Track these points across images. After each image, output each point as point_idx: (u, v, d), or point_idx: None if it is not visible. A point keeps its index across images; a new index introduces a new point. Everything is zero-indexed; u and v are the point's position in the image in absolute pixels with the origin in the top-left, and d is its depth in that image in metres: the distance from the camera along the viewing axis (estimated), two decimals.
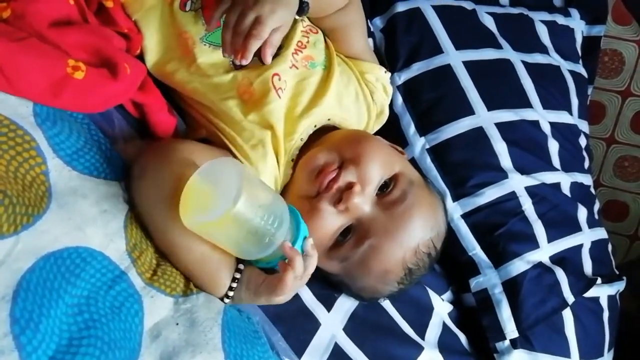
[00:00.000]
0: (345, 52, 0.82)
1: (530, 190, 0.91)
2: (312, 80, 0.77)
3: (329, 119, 0.79)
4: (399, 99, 0.95)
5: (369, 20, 0.99)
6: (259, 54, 0.64)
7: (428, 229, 0.74)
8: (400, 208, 0.72)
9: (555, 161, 0.97)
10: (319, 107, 0.76)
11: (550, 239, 0.90)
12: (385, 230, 0.71)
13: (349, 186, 0.70)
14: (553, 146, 0.97)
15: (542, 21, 1.08)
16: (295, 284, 0.63)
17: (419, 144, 0.93)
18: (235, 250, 0.63)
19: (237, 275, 0.64)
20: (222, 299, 0.64)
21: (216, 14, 0.67)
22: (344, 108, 0.80)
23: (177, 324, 0.58)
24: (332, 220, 0.71)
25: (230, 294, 0.64)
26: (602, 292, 0.95)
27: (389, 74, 0.86)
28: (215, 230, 0.59)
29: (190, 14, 0.74)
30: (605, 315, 0.95)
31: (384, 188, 0.73)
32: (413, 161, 0.92)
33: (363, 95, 0.82)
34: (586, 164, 1.06)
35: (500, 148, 0.92)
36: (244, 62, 0.63)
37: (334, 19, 0.78)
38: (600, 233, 1.00)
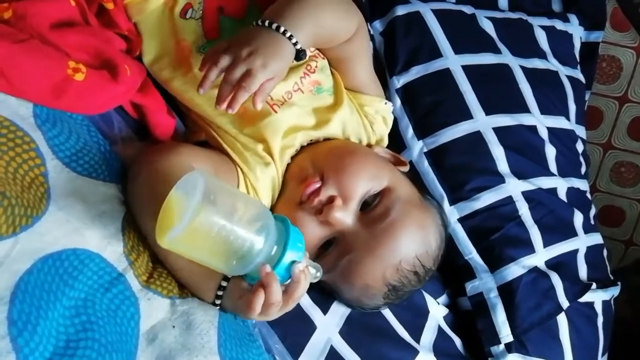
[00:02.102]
0: (347, 84, 0.81)
1: (526, 195, 0.92)
2: (317, 105, 0.76)
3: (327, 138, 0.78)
4: (398, 102, 0.95)
5: (368, 24, 0.99)
6: None
7: (412, 246, 0.72)
8: (381, 225, 0.71)
9: (552, 166, 0.97)
10: (322, 130, 0.76)
11: (546, 244, 0.91)
12: (365, 246, 0.71)
13: (330, 200, 0.70)
14: (550, 151, 0.98)
15: (541, 26, 1.08)
16: (271, 309, 0.59)
17: (417, 147, 0.94)
18: (211, 267, 0.59)
19: (224, 284, 0.62)
20: (212, 304, 0.63)
21: (209, 52, 0.65)
22: (346, 135, 0.80)
23: (174, 326, 0.58)
24: (313, 230, 0.71)
25: (218, 302, 0.63)
26: (596, 297, 0.95)
27: (390, 105, 0.85)
28: (186, 247, 0.56)
29: (190, 22, 0.73)
30: (600, 320, 0.95)
31: (371, 203, 0.73)
32: (410, 164, 0.92)
33: (363, 126, 0.82)
34: (583, 170, 1.06)
35: (498, 153, 0.92)
36: (230, 112, 0.62)
37: (337, 51, 0.77)
38: (596, 238, 1.00)
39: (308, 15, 0.67)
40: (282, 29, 0.64)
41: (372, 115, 0.82)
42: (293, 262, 0.59)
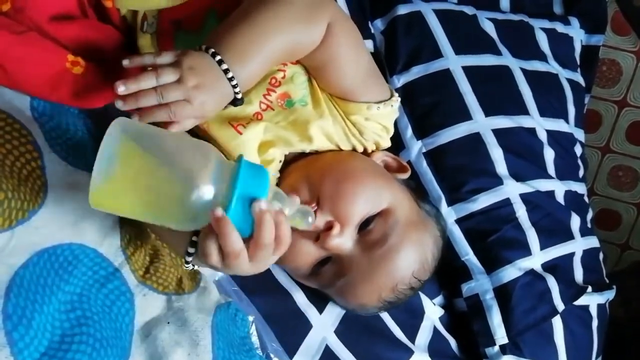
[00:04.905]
0: (329, 91, 0.71)
1: (524, 197, 0.92)
2: (293, 118, 0.70)
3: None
4: None
5: (369, 22, 0.99)
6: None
7: (410, 268, 0.71)
8: (379, 251, 0.69)
9: (551, 169, 0.98)
10: (304, 144, 0.71)
11: (542, 247, 0.91)
12: (362, 271, 0.69)
13: (328, 226, 0.67)
14: (549, 154, 0.98)
15: (542, 29, 1.08)
16: (234, 260, 0.51)
17: (416, 147, 0.93)
18: (157, 222, 0.51)
19: (195, 239, 0.57)
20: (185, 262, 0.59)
21: (153, 55, 0.56)
22: (335, 144, 0.74)
23: (169, 322, 0.58)
24: (308, 251, 0.69)
25: (189, 259, 0.58)
26: (592, 300, 0.95)
27: (386, 108, 0.73)
28: (119, 201, 0.49)
29: (146, 36, 0.68)
30: (595, 323, 0.96)
31: (368, 223, 0.70)
32: (409, 164, 0.92)
33: (352, 135, 0.74)
34: (581, 173, 1.06)
35: (496, 154, 0.92)
36: (133, 117, 0.54)
37: (306, 61, 0.68)
38: (592, 242, 1.00)
39: (257, 48, 0.60)
40: (229, 74, 0.57)
41: (360, 124, 0.73)
42: (253, 199, 0.49)
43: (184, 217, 0.49)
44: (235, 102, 0.60)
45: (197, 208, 0.48)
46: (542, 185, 0.94)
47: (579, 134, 1.09)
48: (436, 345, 0.86)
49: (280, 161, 0.72)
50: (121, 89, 0.53)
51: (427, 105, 0.94)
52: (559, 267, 0.92)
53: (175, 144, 0.51)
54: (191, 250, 0.57)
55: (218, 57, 0.57)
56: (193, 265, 0.59)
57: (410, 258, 0.71)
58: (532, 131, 0.97)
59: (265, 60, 0.61)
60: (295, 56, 0.67)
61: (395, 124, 0.92)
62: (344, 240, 0.68)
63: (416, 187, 0.83)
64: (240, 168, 0.50)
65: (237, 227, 0.50)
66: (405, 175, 0.80)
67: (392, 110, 0.75)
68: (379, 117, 0.74)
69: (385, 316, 0.82)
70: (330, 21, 0.64)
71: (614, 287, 1.00)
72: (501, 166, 0.92)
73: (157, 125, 0.55)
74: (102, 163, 0.46)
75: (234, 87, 0.58)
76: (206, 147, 0.53)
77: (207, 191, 0.48)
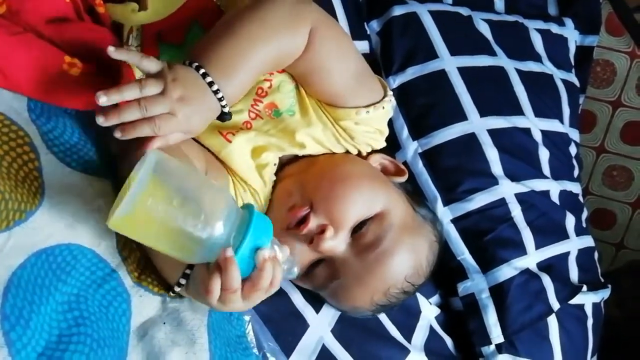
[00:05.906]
0: (318, 97, 0.71)
1: (519, 197, 0.92)
2: (282, 127, 0.70)
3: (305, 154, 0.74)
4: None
5: (365, 23, 0.99)
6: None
7: (403, 272, 0.71)
8: (372, 255, 0.69)
9: (546, 169, 0.98)
10: (295, 150, 0.72)
11: (537, 246, 0.91)
12: (354, 274, 0.70)
13: (321, 229, 0.68)
14: (543, 154, 0.98)
15: (537, 29, 1.09)
16: (230, 297, 0.52)
17: (412, 147, 0.94)
18: (168, 254, 0.54)
19: (188, 272, 0.57)
20: (168, 290, 0.60)
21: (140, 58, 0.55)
22: (327, 148, 0.75)
23: (164, 323, 0.59)
24: (302, 254, 0.69)
25: (177, 289, 0.59)
26: (587, 299, 0.96)
27: (380, 109, 0.73)
28: (136, 231, 0.52)
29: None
30: (590, 322, 0.96)
31: (362, 226, 0.70)
32: (405, 165, 0.93)
33: (343, 139, 0.75)
34: (575, 173, 1.07)
35: (492, 154, 0.93)
36: (117, 135, 0.53)
37: (294, 67, 0.67)
38: (588, 241, 1.01)
39: (241, 60, 0.59)
40: (214, 87, 0.57)
41: (350, 129, 0.73)
42: (257, 249, 0.53)
43: (195, 252, 0.52)
44: (222, 116, 0.59)
45: (207, 246, 0.51)
46: (537, 185, 0.95)
47: (574, 134, 1.09)
48: (432, 344, 0.86)
49: (275, 164, 0.72)
50: (102, 99, 0.51)
51: (423, 106, 0.95)
52: (554, 267, 0.92)
53: (196, 185, 0.54)
54: (182, 281, 0.58)
55: (202, 71, 0.56)
56: (176, 293, 0.60)
57: (404, 262, 0.71)
58: (527, 131, 0.97)
59: (250, 72, 0.61)
60: (280, 65, 0.66)
61: (391, 124, 0.94)
62: (337, 243, 0.69)
63: (413, 192, 0.84)
64: (253, 218, 0.53)
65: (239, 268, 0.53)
66: (402, 179, 0.80)
67: (383, 112, 0.75)
68: (370, 121, 0.73)
69: (382, 316, 0.82)
70: (312, 27, 0.64)
71: (609, 286, 1.00)
72: (496, 166, 0.93)
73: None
74: (131, 193, 0.49)
75: (220, 100, 0.57)
76: (223, 192, 0.56)
77: (219, 232, 0.51)
